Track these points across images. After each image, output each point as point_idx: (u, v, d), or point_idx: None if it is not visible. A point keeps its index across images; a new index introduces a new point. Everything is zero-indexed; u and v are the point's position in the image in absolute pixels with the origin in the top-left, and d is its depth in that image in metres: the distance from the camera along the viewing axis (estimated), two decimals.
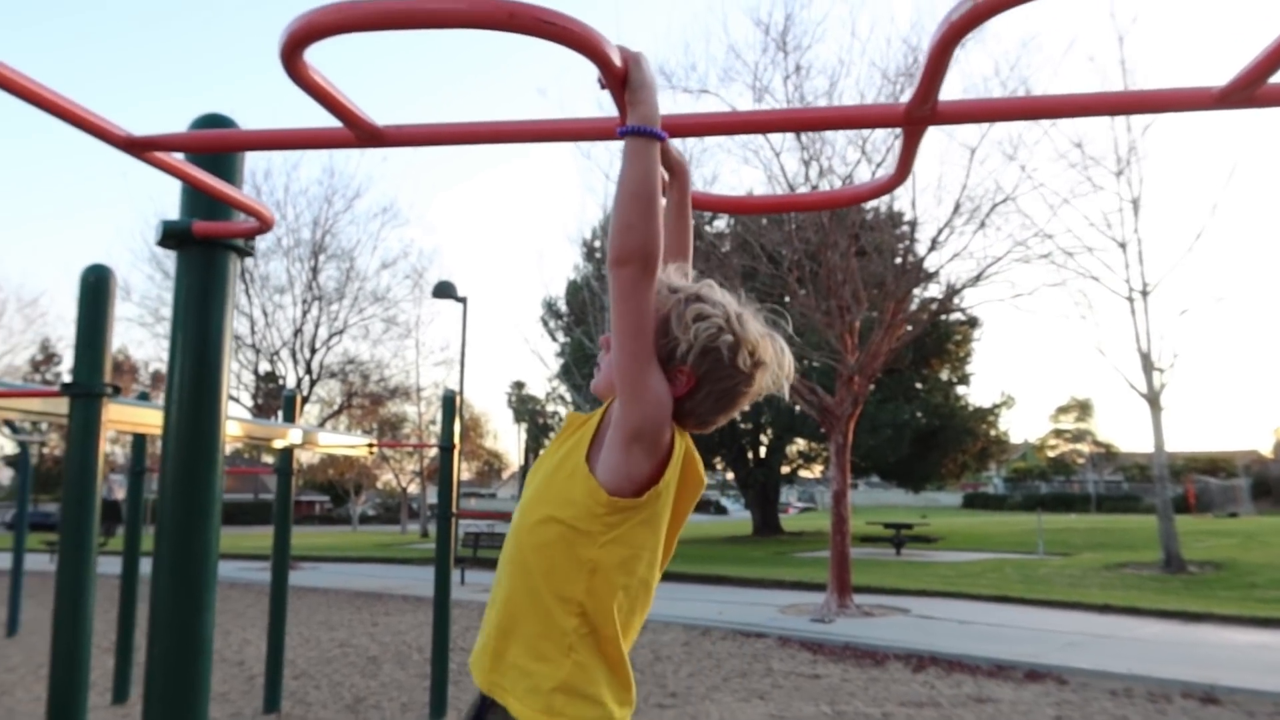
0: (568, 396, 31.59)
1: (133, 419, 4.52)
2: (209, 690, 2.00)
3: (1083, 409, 67.54)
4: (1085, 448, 67.42)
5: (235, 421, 6.53)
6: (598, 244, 30.26)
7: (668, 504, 1.50)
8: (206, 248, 2.02)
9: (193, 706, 1.95)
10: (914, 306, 13.53)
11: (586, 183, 49.03)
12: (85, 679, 3.35)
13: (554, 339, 32.78)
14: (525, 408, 49.29)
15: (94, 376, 3.40)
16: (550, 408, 40.17)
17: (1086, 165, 15.47)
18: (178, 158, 1.66)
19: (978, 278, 11.84)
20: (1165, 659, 8.29)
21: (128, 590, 7.35)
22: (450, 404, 7.09)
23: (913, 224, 12.33)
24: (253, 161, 25.27)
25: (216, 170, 2.07)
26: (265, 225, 1.88)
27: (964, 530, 31.20)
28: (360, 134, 1.33)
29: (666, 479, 1.45)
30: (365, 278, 20.63)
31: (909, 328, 12.76)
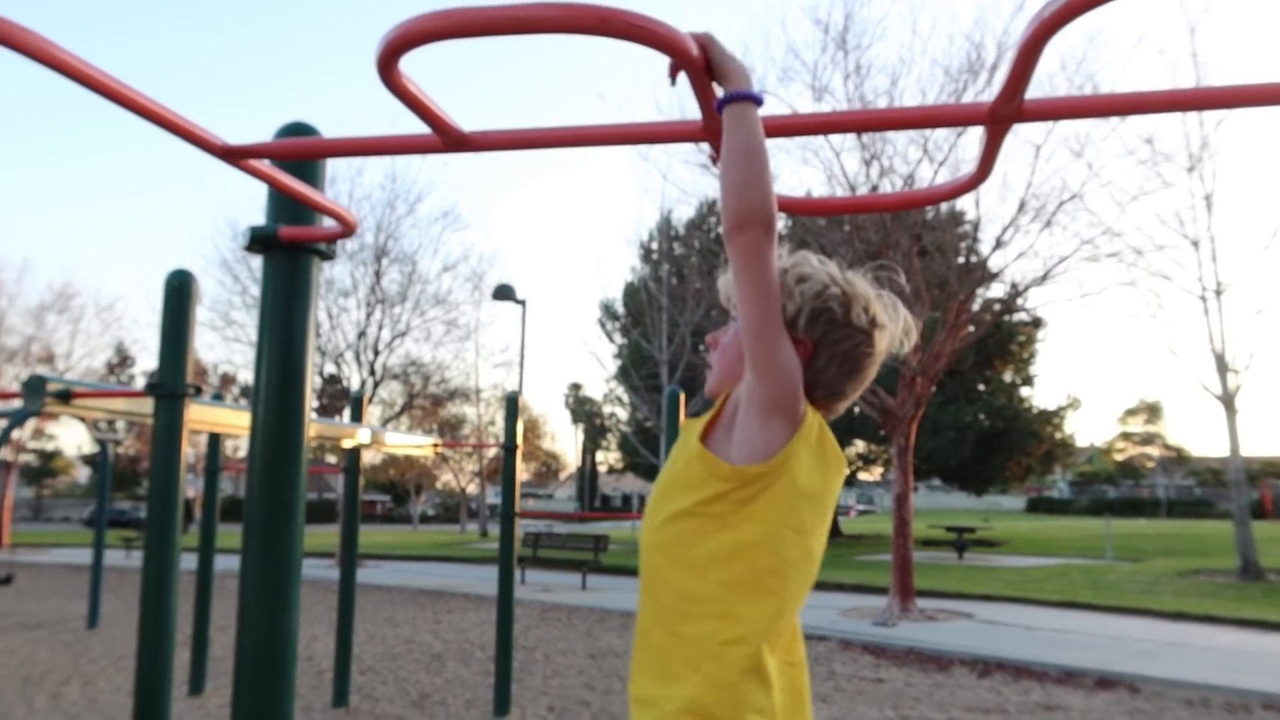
0: (625, 398, 31.71)
1: (210, 419, 4.66)
2: (294, 682, 2.06)
3: (1152, 411, 65.68)
4: (1155, 451, 65.56)
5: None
6: (654, 246, 30.34)
7: (806, 478, 1.35)
8: (291, 252, 2.07)
9: (279, 698, 2.01)
10: (977, 306, 13.30)
11: (644, 185, 49.16)
12: (169, 670, 3.46)
13: (611, 340, 32.94)
14: (583, 409, 49.56)
15: (177, 378, 3.51)
16: (607, 409, 40.28)
17: (1157, 161, 15.05)
18: (266, 164, 1.71)
19: (1044, 277, 11.59)
20: (1244, 669, 8.02)
21: (203, 586, 7.56)
22: (513, 405, 7.17)
23: (975, 223, 12.12)
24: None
25: (301, 176, 2.14)
26: (349, 229, 1.93)
27: (1028, 535, 30.59)
28: (448, 139, 1.36)
29: (792, 446, 1.34)
30: (427, 281, 20.97)
31: (972, 328, 12.54)
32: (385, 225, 20.19)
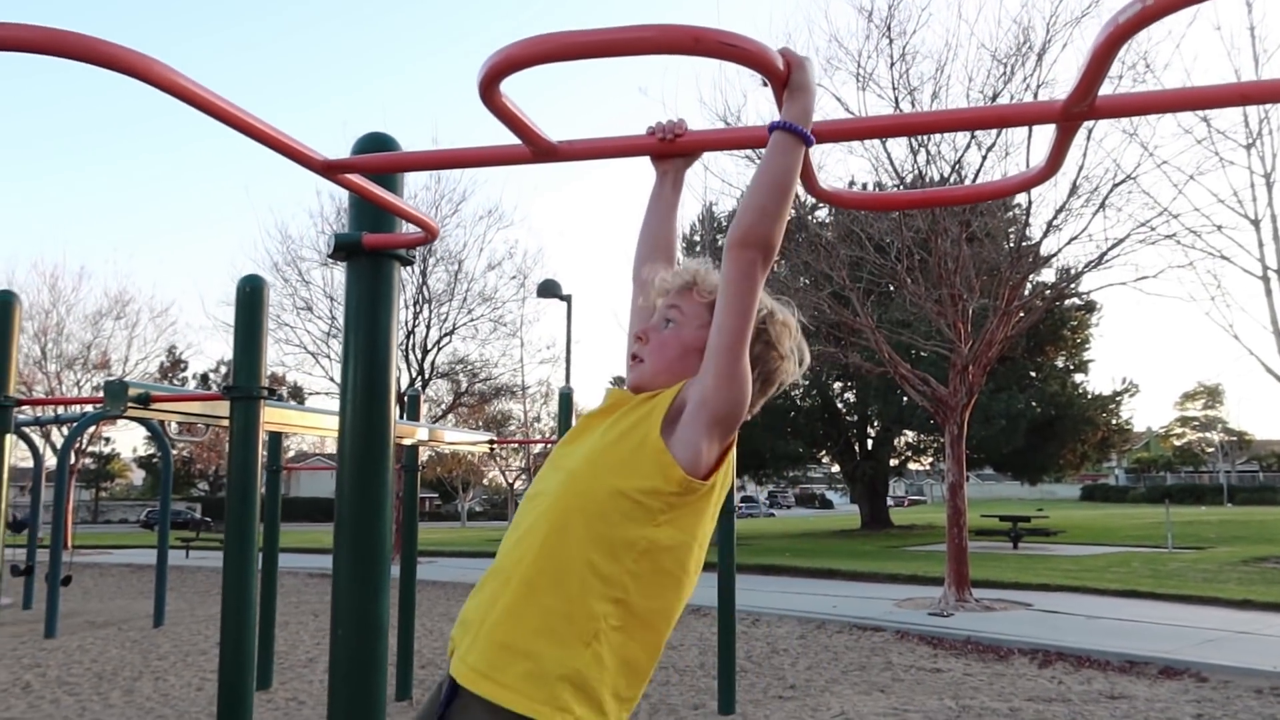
0: None
1: (279, 419, 4.81)
2: (385, 670, 2.14)
3: (1212, 395, 64.14)
4: (1216, 436, 64.03)
5: None
6: (697, 239, 30.32)
7: (719, 498, 1.46)
8: (374, 258, 2.16)
9: (372, 684, 2.10)
10: (1028, 292, 13.13)
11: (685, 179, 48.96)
12: (251, 663, 3.59)
13: None
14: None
15: (252, 380, 3.64)
16: None
17: (1214, 139, 14.70)
18: (356, 176, 1.79)
19: (1099, 260, 11.40)
20: None
21: (268, 583, 7.75)
22: (567, 401, 7.26)
23: (1027, 208, 11.95)
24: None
25: (384, 185, 2.22)
26: (430, 235, 2.00)
27: (1084, 523, 30.09)
28: (537, 151, 1.42)
29: (725, 467, 1.43)
30: (472, 279, 21.19)
31: (1023, 315, 12.39)
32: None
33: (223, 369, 44.38)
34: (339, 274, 20.08)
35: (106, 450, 51.72)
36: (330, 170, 1.55)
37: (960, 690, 7.12)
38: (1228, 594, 11.81)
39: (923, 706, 6.61)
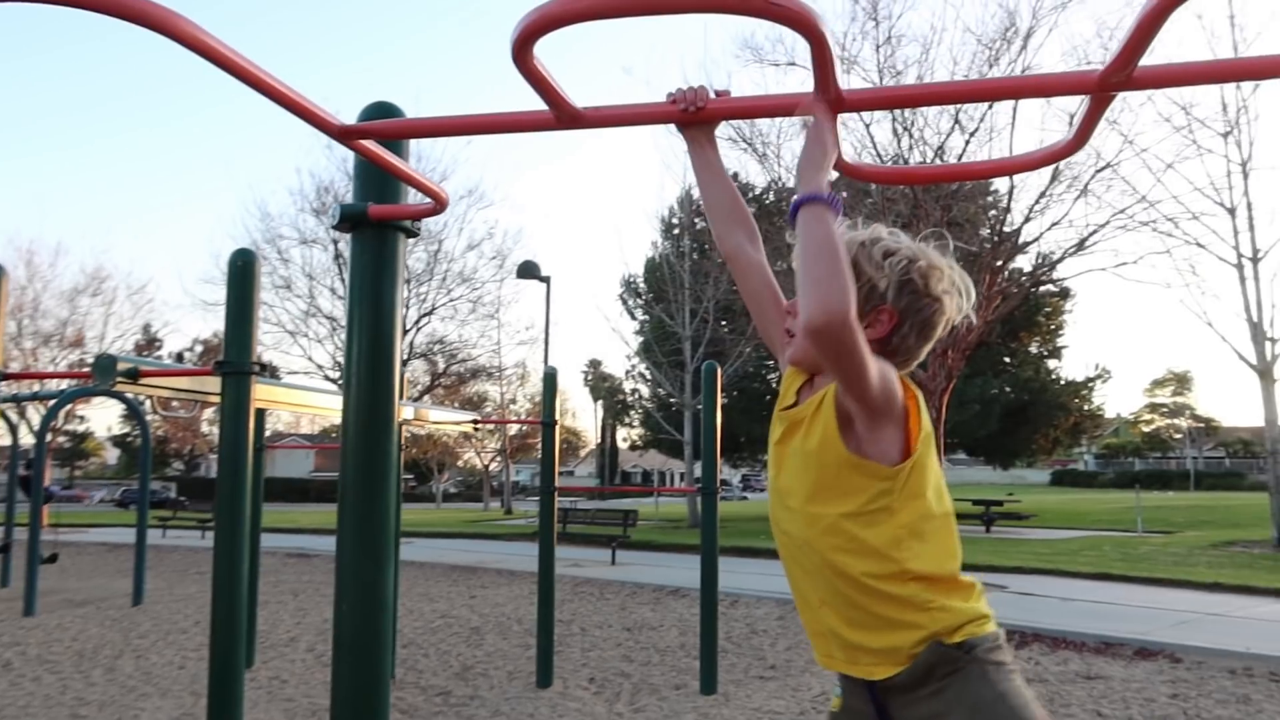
0: (648, 374, 31.78)
1: (267, 397, 4.75)
2: (390, 644, 2.13)
3: (1180, 382, 65.13)
4: (1183, 423, 65.03)
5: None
6: (675, 221, 30.30)
7: (928, 446, 1.54)
8: (379, 229, 2.13)
9: (377, 658, 2.09)
10: (1006, 276, 13.23)
11: (666, 160, 48.91)
12: (241, 641, 3.56)
13: (633, 317, 32.99)
14: (602, 386, 49.70)
15: (244, 356, 3.59)
16: (629, 386, 40.33)
17: (1192, 128, 14.87)
18: (370, 144, 1.75)
19: (1080, 245, 11.50)
20: None
21: (250, 563, 7.69)
22: (551, 381, 7.23)
23: (1009, 193, 12.02)
24: (344, 149, 25.88)
25: (394, 153, 2.19)
26: (440, 205, 1.97)
27: (1055, 508, 30.49)
28: (562, 117, 1.40)
29: (926, 427, 1.51)
30: (452, 259, 21.02)
31: (1003, 299, 12.49)
32: None
33: (198, 348, 43.92)
34: (318, 253, 19.89)
35: (81, 429, 51.11)
36: (346, 135, 1.52)
37: None
38: (1198, 577, 12.02)
39: None
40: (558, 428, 7.20)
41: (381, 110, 2.06)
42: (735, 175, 28.98)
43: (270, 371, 3.57)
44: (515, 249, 27.63)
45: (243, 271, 3.67)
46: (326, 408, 5.48)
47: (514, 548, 18.91)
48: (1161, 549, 16.43)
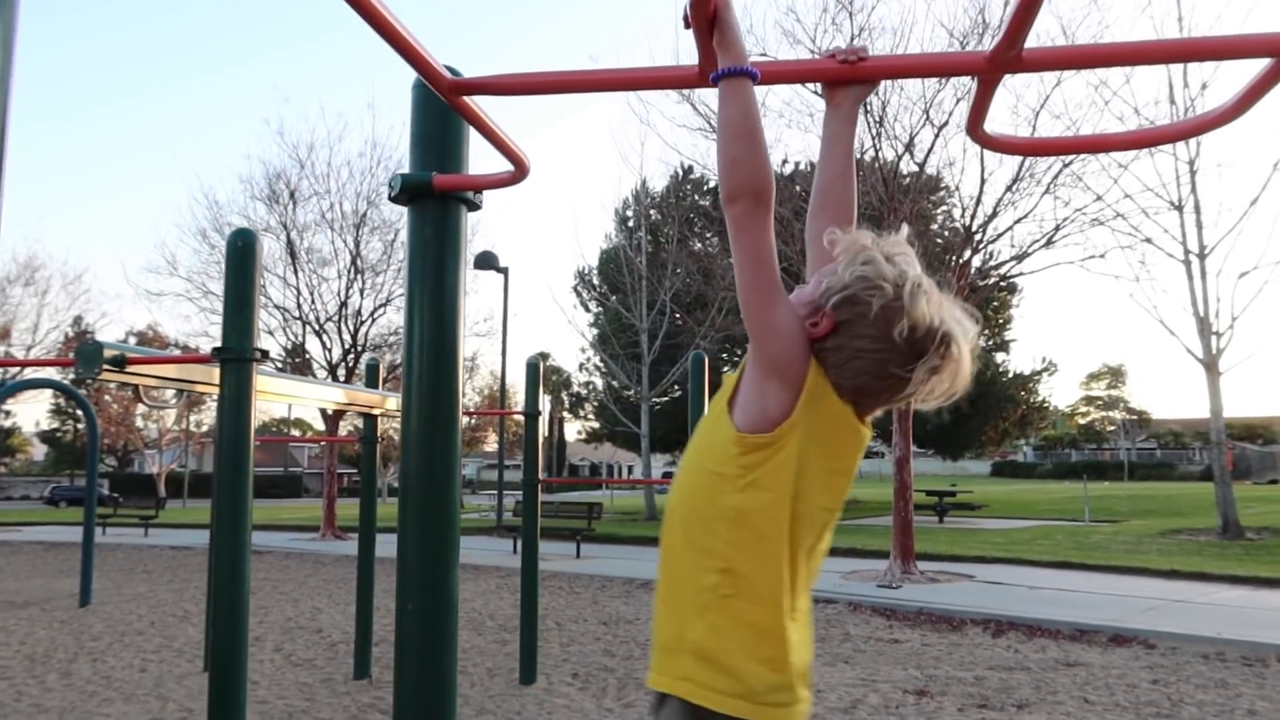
0: (602, 366, 31.63)
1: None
2: (456, 648, 1.99)
3: (1115, 375, 66.91)
4: (1118, 415, 66.83)
5: (339, 389, 6.55)
6: (629, 214, 30.17)
7: (812, 447, 1.35)
8: (442, 201, 1.98)
9: (444, 661, 1.94)
10: (974, 271, 13.37)
11: (623, 154, 48.79)
12: (244, 643, 3.37)
13: (588, 310, 32.78)
14: (550, 378, 49.42)
15: (244, 342, 3.39)
16: (583, 378, 40.14)
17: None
18: (475, 104, 1.60)
19: (1049, 241, 11.65)
20: (1254, 623, 8.21)
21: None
22: (534, 372, 7.07)
23: (979, 191, 12.12)
24: (296, 135, 25.17)
25: (444, 123, 2.03)
26: (521, 173, 1.83)
27: (1000, 498, 31.05)
28: (704, 73, 1.27)
29: (796, 414, 1.33)
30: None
31: (971, 293, 12.61)
32: (365, 192, 19.82)
33: (131, 339, 42.56)
34: (270, 242, 19.31)
35: (7, 424, 49.27)
36: (455, 90, 1.38)
37: (922, 660, 7.22)
38: (1154, 564, 12.29)
39: (889, 677, 6.67)
40: (541, 419, 7.04)
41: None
42: (690, 168, 28.96)
43: (267, 358, 3.39)
44: (473, 239, 27.19)
45: (242, 253, 3.46)
46: (309, 398, 5.26)
47: (472, 542, 18.65)
48: (1113, 537, 16.81)
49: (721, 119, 1.35)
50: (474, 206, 2.03)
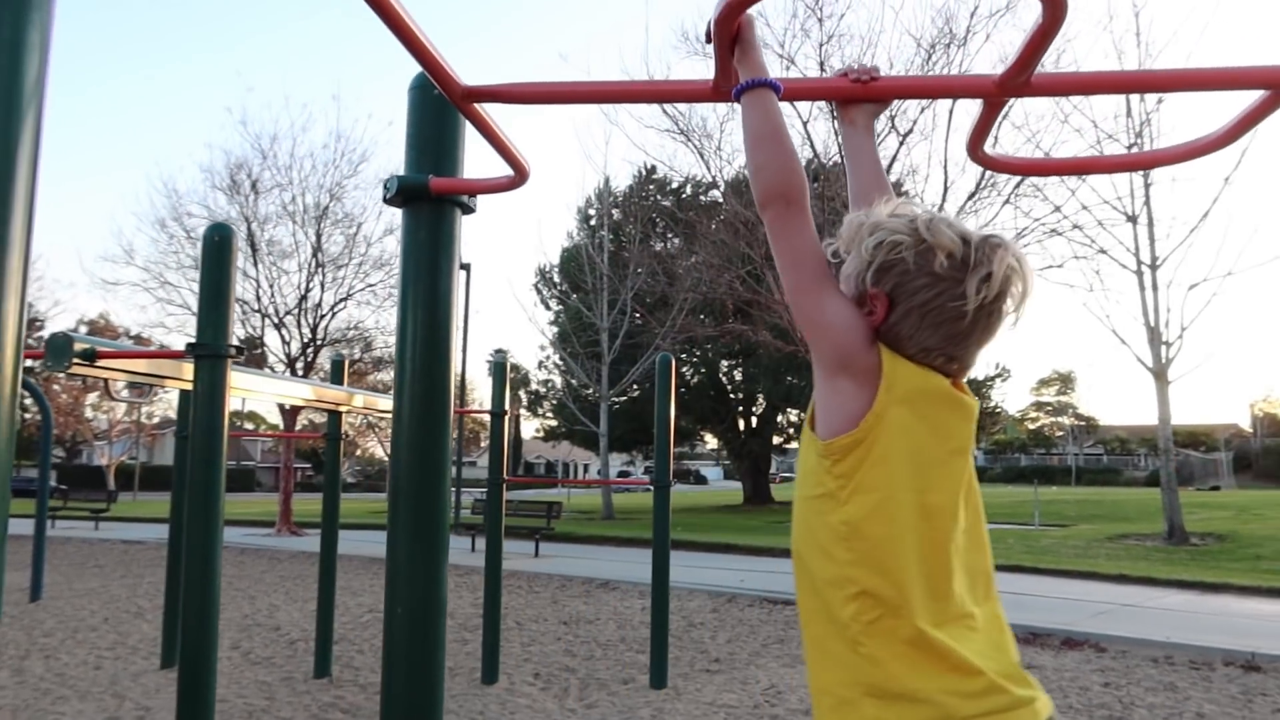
0: (562, 364, 31.58)
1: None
2: (444, 649, 1.99)
3: (1064, 382, 68.23)
4: (1067, 421, 68.17)
5: (305, 385, 6.48)
6: (592, 212, 30.15)
7: (906, 434, 1.30)
8: (437, 204, 1.98)
9: (433, 663, 1.95)
10: None
11: (586, 152, 48.73)
12: (215, 636, 3.34)
13: (548, 308, 32.68)
14: (508, 375, 49.15)
15: (219, 337, 3.36)
16: (542, 375, 39.99)
17: (1100, 140, 15.52)
18: (485, 112, 1.61)
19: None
20: (1200, 627, 8.44)
21: (174, 557, 7.30)
22: (501, 370, 7.06)
23: (941, 202, 12.33)
24: (259, 126, 24.78)
25: (443, 124, 2.04)
26: (521, 178, 1.84)
27: None
28: (719, 90, 1.30)
29: (879, 404, 1.29)
30: (370, 242, 20.42)
31: None
32: (328, 185, 19.58)
33: (82, 329, 41.58)
34: None
35: None
36: (468, 98, 1.39)
37: None
38: (1102, 569, 12.58)
39: None
40: (507, 417, 7.03)
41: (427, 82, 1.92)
42: (653, 169, 29.00)
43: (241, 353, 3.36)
44: None
45: (219, 248, 3.43)
46: (278, 394, 5.22)
47: None
48: (1062, 541, 17.16)
49: (745, 129, 1.38)
50: (468, 210, 2.04)
